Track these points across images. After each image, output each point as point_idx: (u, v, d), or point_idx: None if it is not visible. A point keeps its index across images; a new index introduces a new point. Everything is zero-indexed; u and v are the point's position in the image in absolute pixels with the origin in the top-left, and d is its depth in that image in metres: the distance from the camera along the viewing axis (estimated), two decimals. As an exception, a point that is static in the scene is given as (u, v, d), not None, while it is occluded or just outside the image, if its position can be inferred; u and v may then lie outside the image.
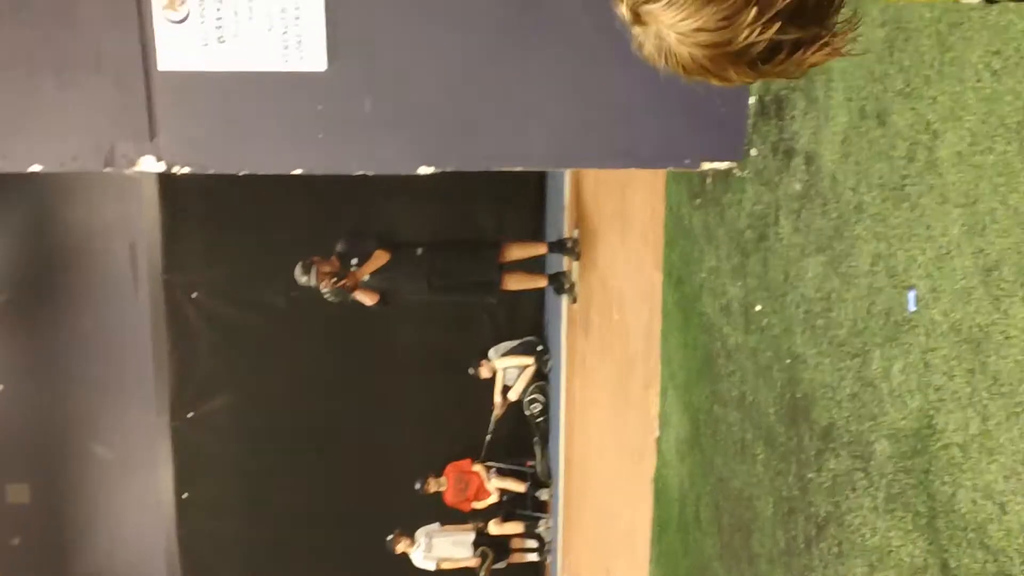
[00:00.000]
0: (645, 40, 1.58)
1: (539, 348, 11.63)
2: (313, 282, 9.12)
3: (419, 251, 9.36)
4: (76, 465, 12.42)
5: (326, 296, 9.20)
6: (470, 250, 9.74)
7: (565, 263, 10.16)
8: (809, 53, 1.53)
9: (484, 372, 11.60)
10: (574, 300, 9.89)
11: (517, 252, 9.86)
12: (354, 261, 9.15)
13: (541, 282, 10.28)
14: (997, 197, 2.85)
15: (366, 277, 9.20)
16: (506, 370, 11.67)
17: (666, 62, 1.57)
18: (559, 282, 10.03)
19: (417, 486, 11.92)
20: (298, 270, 9.10)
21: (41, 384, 12.06)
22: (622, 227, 7.99)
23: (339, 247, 9.25)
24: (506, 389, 11.66)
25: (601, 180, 8.71)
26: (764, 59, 1.53)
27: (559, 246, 9.95)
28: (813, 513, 4.07)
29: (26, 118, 4.71)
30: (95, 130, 4.74)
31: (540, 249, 10.23)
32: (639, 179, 7.21)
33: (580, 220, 9.73)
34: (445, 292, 9.66)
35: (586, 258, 9.48)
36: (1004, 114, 2.82)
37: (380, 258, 9.12)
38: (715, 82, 1.61)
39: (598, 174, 8.81)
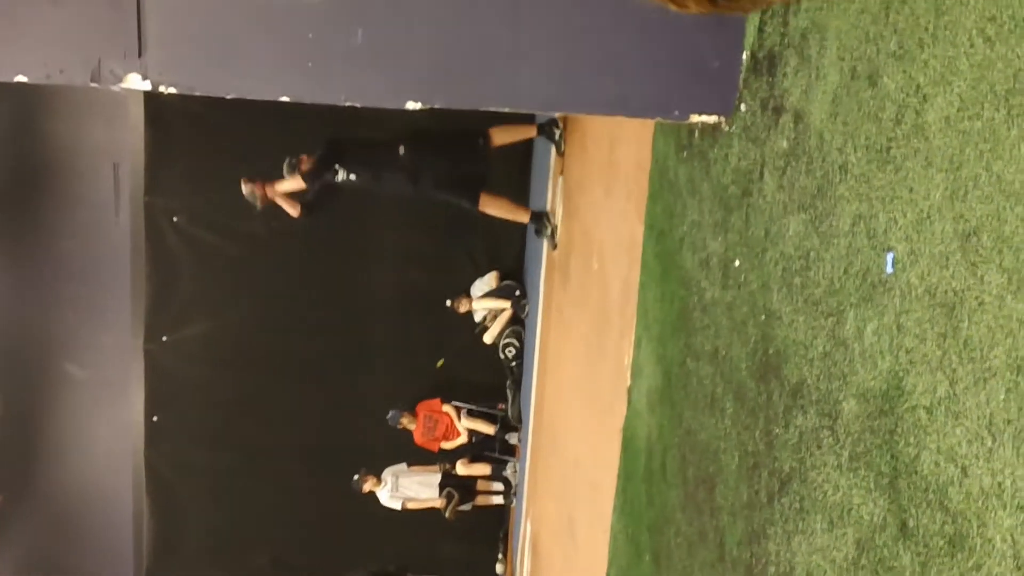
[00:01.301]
0: None
1: (517, 293, 11.68)
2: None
3: (401, 150, 9.21)
4: (49, 382, 12.43)
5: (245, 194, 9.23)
6: (456, 141, 9.49)
7: (549, 202, 10.11)
8: None
9: (461, 307, 11.65)
10: (554, 246, 9.86)
11: (505, 136, 9.70)
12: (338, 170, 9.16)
13: (523, 216, 10.13)
14: (981, 163, 2.86)
15: (278, 197, 9.30)
16: (482, 311, 11.76)
17: None
18: (541, 223, 9.92)
19: (389, 415, 11.94)
20: (285, 167, 9.13)
21: (16, 299, 12.04)
22: (608, 179, 7.98)
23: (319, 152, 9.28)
24: (483, 330, 11.77)
25: (589, 131, 8.69)
26: None
27: (548, 131, 9.84)
28: (777, 468, 4.11)
29: (15, 30, 4.68)
30: (84, 45, 4.71)
31: (529, 132, 10.07)
32: (627, 131, 7.20)
33: (566, 170, 9.71)
34: (433, 189, 9.46)
35: (569, 207, 9.46)
36: (994, 81, 2.83)
37: (294, 183, 9.15)
38: (672, 8, 1.64)
39: (587, 125, 8.79)
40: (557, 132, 9.78)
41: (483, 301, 11.72)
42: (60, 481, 12.79)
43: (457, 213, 10.00)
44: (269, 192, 9.23)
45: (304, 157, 9.12)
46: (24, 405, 12.45)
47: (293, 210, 9.35)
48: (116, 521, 12.75)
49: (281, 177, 9.21)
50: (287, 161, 9.10)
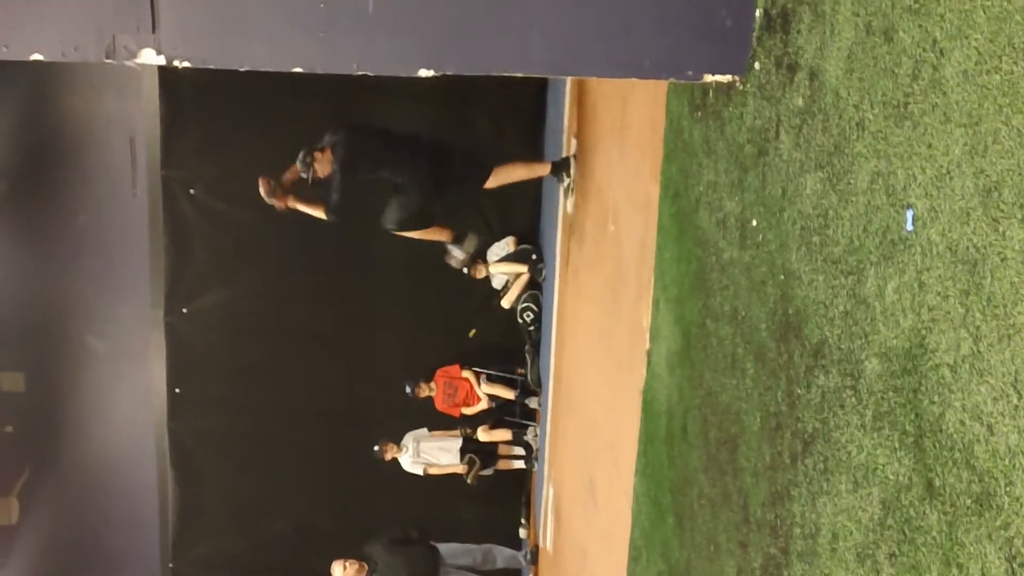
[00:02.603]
0: None
1: (533, 257, 11.66)
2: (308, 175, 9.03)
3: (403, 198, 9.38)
4: (70, 356, 12.50)
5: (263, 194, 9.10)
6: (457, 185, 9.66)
7: (564, 148, 10.09)
8: None
9: (478, 273, 11.64)
10: (570, 188, 9.81)
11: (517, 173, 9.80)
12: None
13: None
14: (1001, 118, 2.83)
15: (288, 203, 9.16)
16: (500, 276, 11.76)
17: None
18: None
19: (408, 389, 11.99)
20: (299, 164, 8.96)
21: (37, 274, 12.11)
22: (621, 140, 7.94)
23: (327, 139, 9.10)
24: (504, 291, 11.78)
25: (602, 93, 8.64)
26: None
27: (558, 172, 9.90)
28: (800, 429, 4.10)
29: (29, 8, 4.67)
30: (97, 21, 4.70)
31: (544, 170, 10.13)
32: (640, 92, 7.16)
33: (579, 133, 9.67)
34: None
35: (584, 170, 9.43)
36: (1012, 33, 2.79)
37: (316, 208, 9.14)
38: None
39: (599, 87, 8.74)
40: (568, 180, 9.85)
41: (500, 266, 11.71)
42: (84, 454, 12.88)
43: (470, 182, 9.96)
44: (290, 203, 9.10)
45: (317, 155, 8.94)
46: (47, 379, 12.53)
47: (318, 212, 9.22)
48: (141, 492, 12.84)
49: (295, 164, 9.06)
50: (301, 156, 8.95)
